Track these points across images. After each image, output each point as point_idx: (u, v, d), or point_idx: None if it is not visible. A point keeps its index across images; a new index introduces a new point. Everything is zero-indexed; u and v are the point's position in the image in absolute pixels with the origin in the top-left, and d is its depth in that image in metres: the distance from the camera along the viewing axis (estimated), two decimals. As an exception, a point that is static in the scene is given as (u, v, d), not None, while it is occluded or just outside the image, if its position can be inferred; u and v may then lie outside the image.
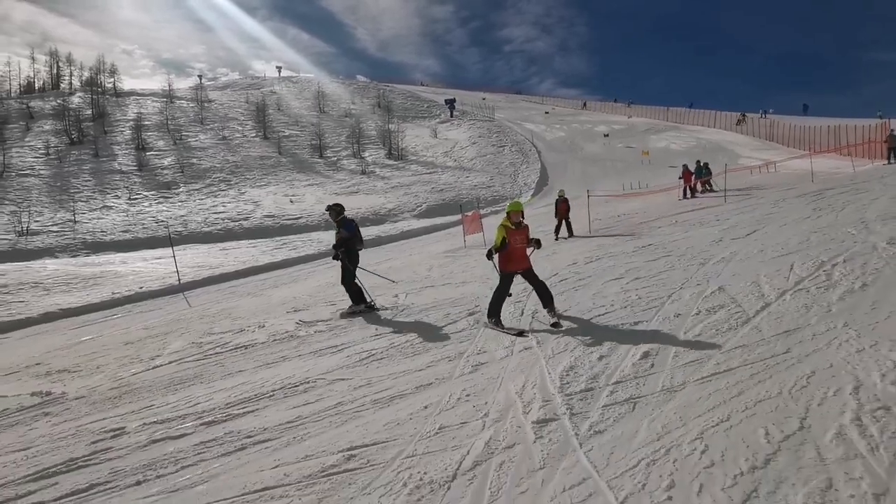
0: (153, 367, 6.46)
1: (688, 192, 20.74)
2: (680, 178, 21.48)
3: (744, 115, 50.75)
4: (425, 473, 2.78)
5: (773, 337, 4.02)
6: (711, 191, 21.74)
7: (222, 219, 33.23)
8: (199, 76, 78.20)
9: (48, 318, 13.53)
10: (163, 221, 32.39)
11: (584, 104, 69.92)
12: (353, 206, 34.38)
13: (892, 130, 22.51)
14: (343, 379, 4.70)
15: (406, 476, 2.79)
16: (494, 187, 39.03)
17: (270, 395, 4.55)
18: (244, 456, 3.43)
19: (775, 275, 5.98)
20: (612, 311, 5.69)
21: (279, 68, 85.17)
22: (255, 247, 24.94)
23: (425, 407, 3.74)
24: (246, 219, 32.92)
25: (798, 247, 7.42)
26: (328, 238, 26.31)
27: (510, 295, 6.09)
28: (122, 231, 31.36)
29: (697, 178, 21.77)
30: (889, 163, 21.38)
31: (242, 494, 2.87)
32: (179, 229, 30.79)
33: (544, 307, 5.84)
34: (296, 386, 4.70)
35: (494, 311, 5.87)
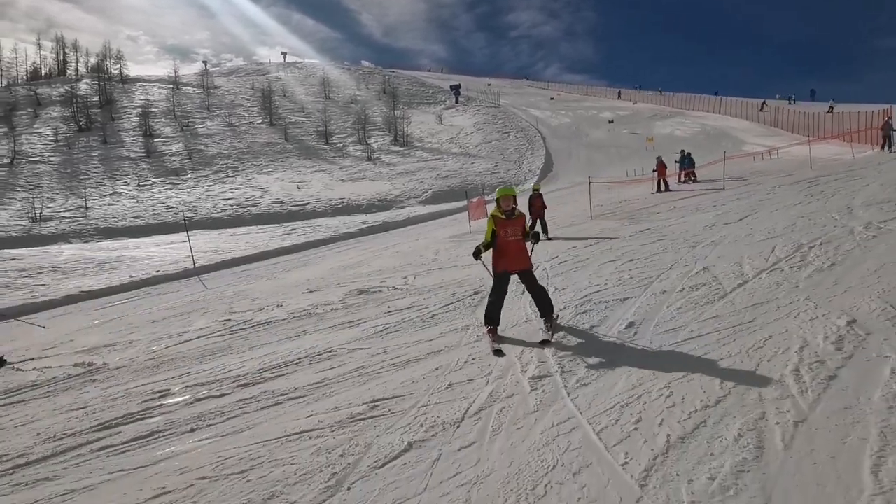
0: (183, 342, 7.03)
1: (661, 185, 19.55)
2: (654, 170, 20.17)
3: (764, 102, 50.35)
4: (438, 417, 3.34)
5: (744, 309, 4.55)
6: (694, 181, 21.01)
7: (231, 205, 33.81)
8: (204, 62, 77.89)
9: (71, 300, 14.19)
10: (172, 207, 33.04)
11: (619, 94, 68.38)
12: (360, 193, 34.93)
13: (888, 118, 21.89)
14: (362, 349, 5.25)
15: (422, 419, 3.34)
16: (499, 173, 39.41)
17: (297, 363, 5.11)
18: (281, 409, 3.99)
19: (757, 256, 6.48)
20: (605, 289, 6.20)
21: (284, 54, 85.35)
22: (264, 232, 25.54)
23: (436, 369, 4.29)
24: (254, 205, 33.48)
25: (783, 231, 7.89)
26: (336, 224, 26.93)
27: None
28: (134, 217, 31.99)
29: (682, 168, 21.43)
30: (884, 149, 21.04)
31: (284, 436, 3.43)
32: (189, 215, 31.28)
33: (541, 317, 5.06)
34: (319, 355, 5.26)
35: (490, 318, 5.00)
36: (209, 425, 3.88)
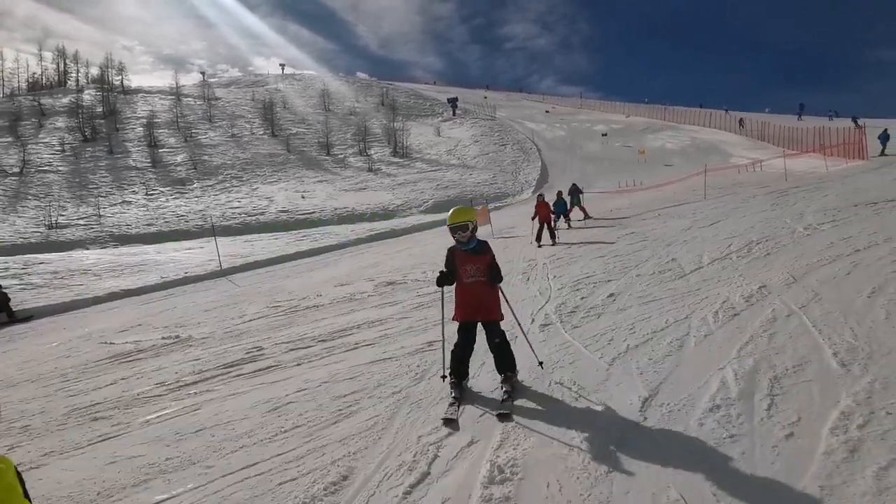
0: (248, 321, 8.52)
1: (543, 234, 13.37)
2: (533, 217, 13.86)
3: (855, 120, 40.39)
4: (478, 348, 4.91)
5: (695, 283, 6.18)
6: (587, 218, 17.54)
7: (239, 213, 35.21)
8: (202, 73, 79.61)
9: (113, 297, 15.59)
10: (183, 216, 34.42)
11: (626, 116, 65.77)
12: (363, 202, 36.50)
13: None
14: (406, 317, 6.83)
15: (467, 349, 4.91)
16: (497, 184, 41.08)
17: (358, 327, 6.66)
18: (360, 351, 5.55)
19: (715, 250, 8.11)
20: (593, 276, 7.81)
21: (282, 66, 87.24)
22: (276, 239, 26.94)
23: (469, 326, 5.85)
24: (262, 214, 34.88)
25: (743, 232, 9.52)
26: (343, 231, 28.47)
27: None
28: (146, 224, 33.25)
29: (574, 204, 17.90)
30: None
31: (372, 362, 4.99)
32: (200, 223, 32.62)
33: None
34: (373, 322, 6.82)
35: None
36: (310, 361, 5.43)
